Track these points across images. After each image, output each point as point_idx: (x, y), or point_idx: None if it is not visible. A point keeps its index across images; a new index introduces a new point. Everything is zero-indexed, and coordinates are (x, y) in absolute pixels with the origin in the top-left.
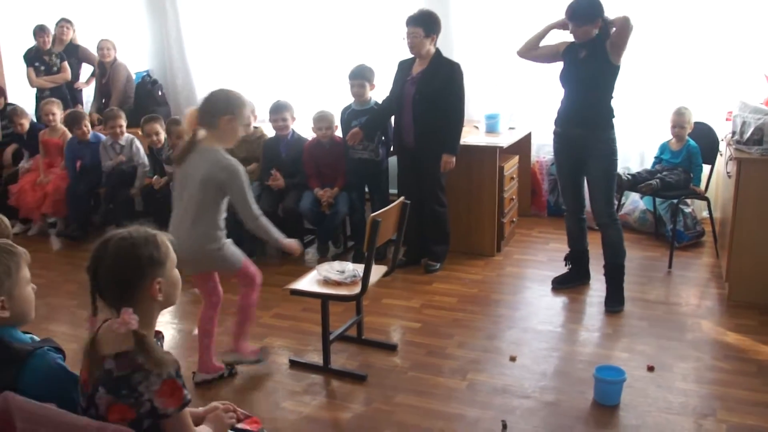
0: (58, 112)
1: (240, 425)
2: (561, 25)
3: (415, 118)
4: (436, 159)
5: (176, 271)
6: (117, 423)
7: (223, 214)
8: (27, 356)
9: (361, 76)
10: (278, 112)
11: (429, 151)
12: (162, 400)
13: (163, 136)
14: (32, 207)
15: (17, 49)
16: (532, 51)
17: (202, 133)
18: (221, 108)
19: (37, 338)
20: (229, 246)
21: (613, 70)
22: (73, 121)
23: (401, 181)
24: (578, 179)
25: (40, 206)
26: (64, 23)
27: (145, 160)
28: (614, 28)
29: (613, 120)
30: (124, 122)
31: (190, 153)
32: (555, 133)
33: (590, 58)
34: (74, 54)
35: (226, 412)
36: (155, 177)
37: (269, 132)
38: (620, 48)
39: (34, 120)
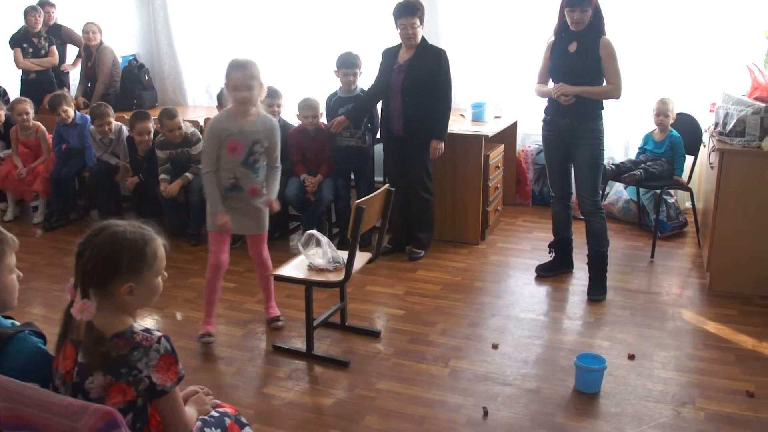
0: (31, 112)
1: (220, 409)
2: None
3: (404, 105)
4: (424, 146)
5: (158, 280)
6: (116, 404)
7: (226, 173)
8: (8, 340)
9: (353, 65)
10: (274, 98)
11: (417, 138)
12: (159, 375)
13: (151, 136)
14: (22, 187)
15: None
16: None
17: None
18: None
19: (18, 323)
20: (212, 206)
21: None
22: (53, 105)
23: (388, 169)
24: (566, 167)
25: (30, 185)
26: (48, 7)
27: (126, 152)
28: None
29: (602, 111)
30: (112, 118)
31: None
32: (544, 120)
33: (581, 52)
34: (58, 35)
35: (206, 396)
36: (132, 176)
37: None
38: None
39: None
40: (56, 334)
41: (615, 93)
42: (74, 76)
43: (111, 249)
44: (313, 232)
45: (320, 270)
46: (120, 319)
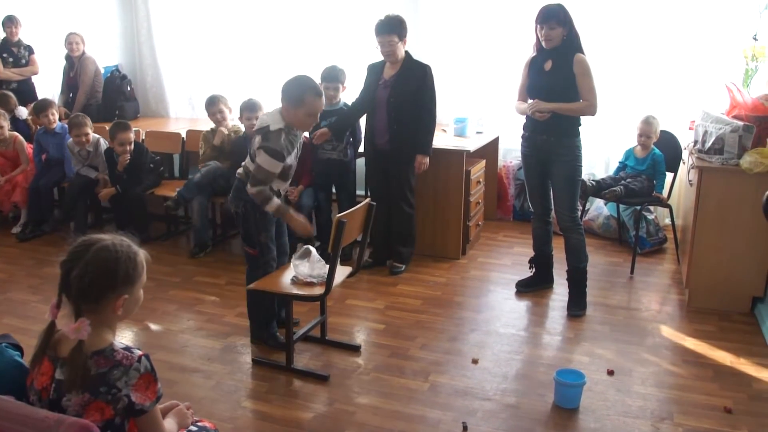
0: (5, 124)
1: (199, 423)
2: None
3: (390, 120)
4: (408, 160)
5: (141, 291)
6: (94, 422)
7: None
8: None
9: (335, 79)
10: (252, 110)
11: (402, 153)
12: (138, 394)
13: (132, 147)
14: (2, 198)
15: None
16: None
17: None
18: None
19: None
20: None
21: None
22: (39, 109)
23: (370, 183)
24: (545, 183)
25: (9, 195)
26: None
27: (105, 164)
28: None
29: (579, 128)
30: (90, 129)
31: None
32: (523, 137)
33: (556, 70)
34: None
35: (188, 410)
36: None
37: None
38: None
39: None
40: (33, 346)
41: (589, 110)
42: (55, 86)
43: (107, 262)
44: (310, 248)
45: (304, 283)
46: (101, 336)
